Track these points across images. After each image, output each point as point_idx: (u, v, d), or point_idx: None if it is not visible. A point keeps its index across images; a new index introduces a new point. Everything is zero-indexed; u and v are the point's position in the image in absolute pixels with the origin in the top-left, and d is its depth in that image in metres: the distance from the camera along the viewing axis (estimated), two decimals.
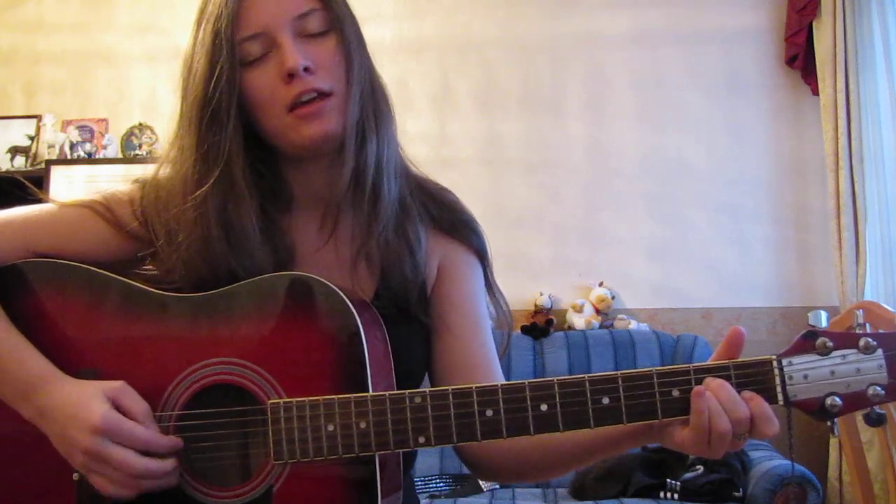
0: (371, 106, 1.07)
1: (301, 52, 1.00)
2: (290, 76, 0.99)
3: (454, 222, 1.15)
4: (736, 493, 2.75)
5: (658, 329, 3.60)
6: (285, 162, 1.08)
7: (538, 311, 3.66)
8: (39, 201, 1.11)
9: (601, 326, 3.60)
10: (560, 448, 1.04)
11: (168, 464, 0.95)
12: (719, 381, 0.88)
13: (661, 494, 2.82)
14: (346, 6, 1.07)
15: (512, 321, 1.17)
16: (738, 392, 0.88)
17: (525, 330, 3.55)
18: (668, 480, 2.84)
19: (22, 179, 1.23)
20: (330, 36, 1.03)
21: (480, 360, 1.11)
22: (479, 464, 1.12)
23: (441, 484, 3.15)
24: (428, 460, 3.17)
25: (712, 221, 3.74)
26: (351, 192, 1.05)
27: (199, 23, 1.03)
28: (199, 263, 1.02)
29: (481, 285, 1.16)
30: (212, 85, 0.99)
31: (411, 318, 1.10)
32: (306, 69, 0.99)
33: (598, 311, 3.64)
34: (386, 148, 1.07)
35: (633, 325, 3.59)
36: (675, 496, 2.79)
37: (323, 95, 1.01)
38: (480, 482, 3.13)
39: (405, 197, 1.10)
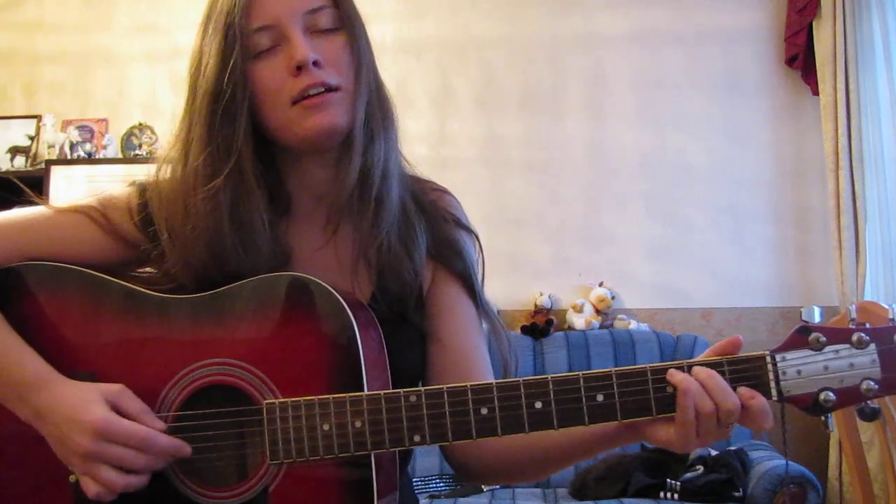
0: (378, 108, 1.07)
1: (311, 46, 1.00)
2: (299, 69, 0.99)
3: (439, 246, 1.12)
4: (736, 493, 2.75)
5: (658, 329, 3.60)
6: (285, 160, 1.08)
7: (538, 311, 3.65)
8: (35, 204, 1.10)
9: (601, 326, 3.60)
10: (538, 448, 1.04)
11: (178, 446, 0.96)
12: (707, 370, 0.89)
13: (661, 494, 2.82)
14: (356, 9, 1.07)
15: (513, 350, 1.13)
16: (734, 388, 0.88)
17: (525, 330, 3.55)
18: (668, 480, 2.84)
19: (18, 182, 1.22)
20: (339, 34, 1.04)
21: (473, 364, 1.10)
22: (466, 465, 1.11)
23: (441, 484, 3.15)
24: (428, 460, 3.17)
25: (712, 221, 3.74)
26: (357, 193, 1.04)
27: (208, 18, 1.03)
28: (205, 256, 1.01)
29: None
30: (225, 77, 0.99)
31: (407, 322, 1.09)
32: (315, 63, 0.99)
33: (598, 311, 3.64)
34: (391, 151, 1.07)
35: (633, 325, 3.59)
36: (675, 496, 2.79)
37: (330, 89, 1.00)
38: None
39: (406, 202, 1.10)
